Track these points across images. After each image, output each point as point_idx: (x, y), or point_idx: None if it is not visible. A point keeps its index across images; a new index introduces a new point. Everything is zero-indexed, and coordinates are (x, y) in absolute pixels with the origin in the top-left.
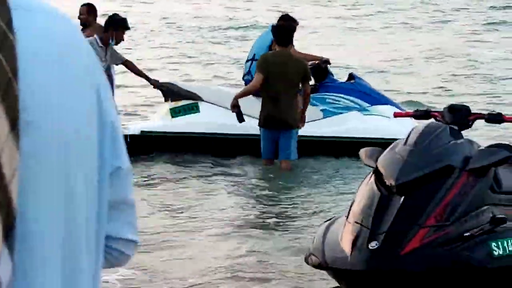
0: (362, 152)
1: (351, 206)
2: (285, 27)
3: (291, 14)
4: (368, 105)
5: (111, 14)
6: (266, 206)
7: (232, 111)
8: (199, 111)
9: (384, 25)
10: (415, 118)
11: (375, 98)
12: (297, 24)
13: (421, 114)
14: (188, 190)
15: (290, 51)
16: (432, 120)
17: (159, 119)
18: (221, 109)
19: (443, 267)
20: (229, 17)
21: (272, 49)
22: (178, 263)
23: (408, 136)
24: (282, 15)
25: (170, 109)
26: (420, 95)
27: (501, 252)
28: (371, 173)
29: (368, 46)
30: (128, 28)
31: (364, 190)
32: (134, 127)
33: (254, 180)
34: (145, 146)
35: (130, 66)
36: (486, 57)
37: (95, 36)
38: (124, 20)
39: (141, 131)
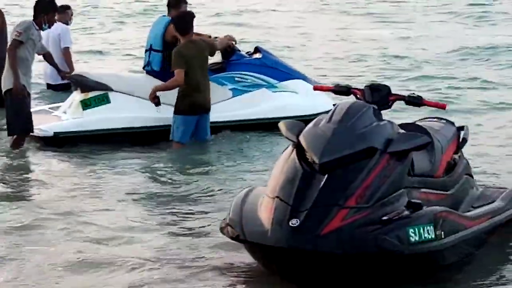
0: (282, 125)
1: (270, 179)
2: (184, 16)
3: None
4: (276, 81)
5: None
6: (188, 185)
7: (153, 102)
8: (109, 102)
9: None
10: (334, 93)
11: (283, 72)
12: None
13: (341, 90)
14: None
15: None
16: (352, 97)
17: (71, 115)
18: (132, 99)
19: (361, 250)
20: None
21: (166, 38)
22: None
23: (333, 113)
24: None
25: (81, 101)
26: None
27: (417, 238)
28: (292, 147)
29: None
30: (58, 10)
31: (285, 164)
32: (47, 126)
33: (170, 164)
34: (59, 145)
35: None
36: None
37: (31, 20)
38: (53, 2)
39: (54, 133)
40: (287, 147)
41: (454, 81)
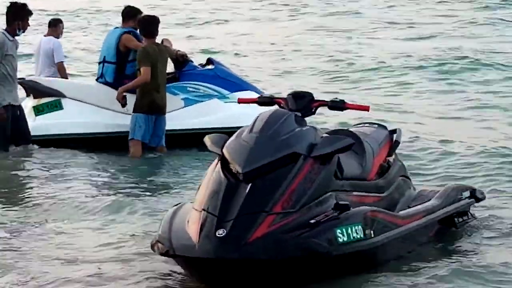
0: (207, 138)
1: (197, 193)
2: (151, 19)
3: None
4: (228, 92)
5: (8, 5)
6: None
7: (121, 103)
8: (62, 108)
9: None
10: (259, 105)
11: (235, 83)
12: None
13: (265, 100)
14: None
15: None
16: (276, 106)
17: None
18: (85, 105)
19: (290, 254)
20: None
21: (121, 49)
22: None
23: (254, 123)
24: (125, 7)
25: (33, 107)
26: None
27: (345, 239)
28: (217, 160)
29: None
30: (31, 13)
31: (210, 177)
32: None
33: (116, 171)
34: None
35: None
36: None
37: (2, 30)
38: (25, 7)
39: None
40: (214, 161)
41: (393, 87)
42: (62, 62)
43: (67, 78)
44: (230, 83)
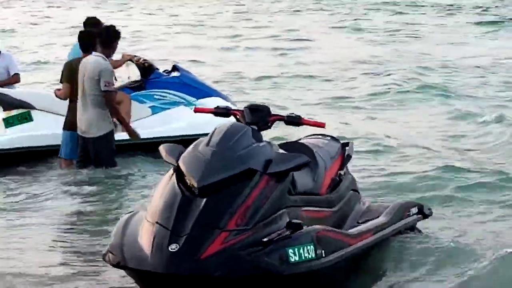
0: (162, 148)
1: (150, 203)
2: (84, 34)
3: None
4: (194, 99)
5: None
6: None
7: None
8: (32, 120)
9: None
10: (215, 115)
11: (201, 90)
12: (101, 26)
13: (222, 112)
14: None
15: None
16: (233, 118)
17: None
18: (55, 117)
19: (242, 272)
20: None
21: None
22: None
23: (211, 136)
24: (86, 19)
25: (3, 119)
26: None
27: (297, 258)
28: (172, 171)
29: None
30: None
31: (164, 189)
32: None
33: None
34: None
35: None
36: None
37: None
38: None
39: None
40: (168, 172)
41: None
42: (17, 74)
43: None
44: (197, 89)
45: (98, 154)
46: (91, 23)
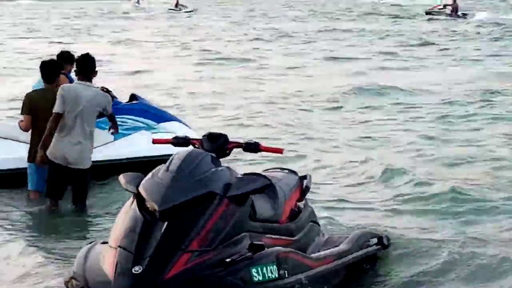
0: (121, 177)
1: (112, 231)
2: (47, 65)
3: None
4: (154, 123)
5: None
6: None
7: None
8: None
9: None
10: (174, 146)
11: (160, 115)
12: (72, 61)
13: (180, 141)
14: None
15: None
16: (191, 147)
17: None
18: (11, 143)
19: None
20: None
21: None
22: None
23: (170, 162)
24: (60, 52)
25: None
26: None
27: (260, 278)
28: (132, 198)
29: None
30: None
31: (126, 215)
32: None
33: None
34: None
35: None
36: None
37: None
38: None
39: None
40: (129, 200)
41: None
42: None
43: None
44: (155, 115)
45: (86, 185)
46: (66, 56)
